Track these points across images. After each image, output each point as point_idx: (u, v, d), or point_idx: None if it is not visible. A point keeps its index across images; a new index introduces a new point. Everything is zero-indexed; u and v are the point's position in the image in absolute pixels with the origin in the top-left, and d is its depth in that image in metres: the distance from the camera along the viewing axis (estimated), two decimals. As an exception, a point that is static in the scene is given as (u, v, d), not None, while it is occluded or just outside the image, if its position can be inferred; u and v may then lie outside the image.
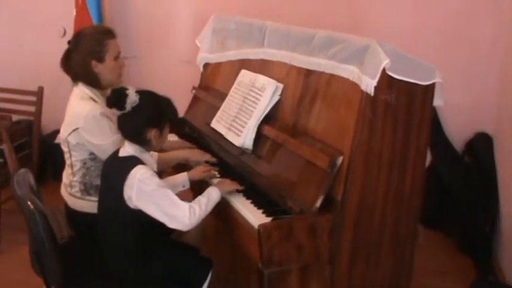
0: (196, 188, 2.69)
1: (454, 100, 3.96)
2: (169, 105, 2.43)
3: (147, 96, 2.35)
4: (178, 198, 2.28)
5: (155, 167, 2.47)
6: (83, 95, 2.68)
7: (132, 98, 2.28)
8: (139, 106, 2.30)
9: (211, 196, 2.36)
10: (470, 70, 4.20)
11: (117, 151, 2.43)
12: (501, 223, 3.73)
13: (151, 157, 2.47)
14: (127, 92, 2.28)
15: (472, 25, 4.14)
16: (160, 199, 2.25)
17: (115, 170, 2.38)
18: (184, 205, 2.26)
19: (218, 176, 2.71)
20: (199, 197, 2.35)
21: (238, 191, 2.52)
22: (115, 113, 2.36)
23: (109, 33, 2.73)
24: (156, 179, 2.28)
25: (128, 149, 2.38)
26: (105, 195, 2.45)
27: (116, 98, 2.30)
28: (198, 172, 2.66)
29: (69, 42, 2.74)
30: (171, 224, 2.26)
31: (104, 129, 2.57)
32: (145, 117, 2.33)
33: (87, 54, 2.66)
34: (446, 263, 3.81)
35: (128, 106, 2.29)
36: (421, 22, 4.23)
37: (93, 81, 2.69)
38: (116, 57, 2.72)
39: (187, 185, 2.65)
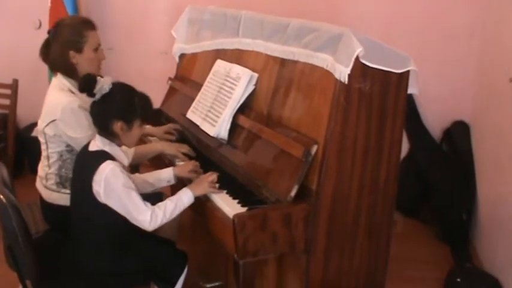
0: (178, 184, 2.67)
1: (432, 89, 4.01)
2: (143, 102, 2.37)
3: (119, 88, 2.32)
4: (142, 201, 2.25)
5: (126, 162, 2.43)
6: (62, 87, 2.64)
7: (102, 86, 2.25)
8: (108, 95, 2.28)
9: (180, 201, 2.32)
10: (448, 59, 4.22)
11: (87, 145, 2.39)
12: (478, 211, 3.76)
13: (121, 152, 2.41)
14: (97, 78, 2.26)
15: (450, 14, 4.16)
16: (125, 200, 2.23)
17: (84, 164, 2.35)
18: (147, 211, 2.23)
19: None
20: (167, 201, 2.31)
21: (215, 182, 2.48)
22: (87, 101, 2.34)
23: (89, 24, 2.70)
24: (123, 178, 2.24)
25: (98, 143, 2.34)
26: (76, 189, 2.42)
27: (85, 82, 2.28)
28: (184, 171, 2.59)
29: (49, 31, 2.71)
30: (134, 222, 2.26)
31: (81, 122, 2.54)
32: (112, 107, 2.29)
33: (65, 44, 2.63)
34: (424, 251, 3.83)
35: (97, 93, 2.26)
36: (399, 11, 4.24)
37: (70, 71, 2.66)
38: (96, 49, 2.70)
39: (173, 181, 2.61)
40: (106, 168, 2.22)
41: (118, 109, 2.30)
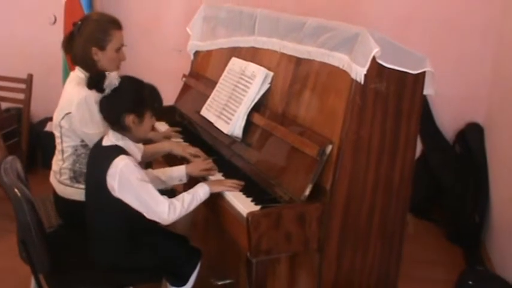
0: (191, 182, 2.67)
1: (446, 90, 3.97)
2: (152, 93, 2.39)
3: (127, 81, 2.33)
4: (159, 194, 2.26)
5: (139, 157, 2.45)
6: (79, 81, 2.64)
7: (111, 80, 2.28)
8: (118, 90, 2.29)
9: (197, 194, 2.33)
10: (463, 60, 4.20)
11: (100, 140, 2.40)
12: (490, 213, 3.74)
13: (135, 146, 2.43)
14: (106, 73, 2.28)
15: (464, 15, 4.14)
16: (141, 193, 2.24)
17: (98, 159, 2.36)
18: (164, 202, 2.24)
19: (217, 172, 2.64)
20: (184, 194, 2.32)
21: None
22: (97, 96, 2.36)
23: (116, 24, 2.72)
24: (138, 172, 2.26)
25: (111, 138, 2.35)
26: (90, 184, 2.44)
27: (94, 79, 2.30)
28: (196, 169, 2.59)
29: (74, 24, 2.71)
30: (150, 217, 2.26)
31: (95, 118, 2.54)
32: (122, 101, 2.31)
33: (90, 39, 2.64)
34: (435, 253, 3.82)
35: (107, 88, 2.28)
36: (414, 12, 4.23)
37: (90, 67, 2.67)
38: (118, 49, 2.71)
39: (185, 180, 2.61)
40: (120, 163, 2.23)
41: (128, 102, 2.32)
